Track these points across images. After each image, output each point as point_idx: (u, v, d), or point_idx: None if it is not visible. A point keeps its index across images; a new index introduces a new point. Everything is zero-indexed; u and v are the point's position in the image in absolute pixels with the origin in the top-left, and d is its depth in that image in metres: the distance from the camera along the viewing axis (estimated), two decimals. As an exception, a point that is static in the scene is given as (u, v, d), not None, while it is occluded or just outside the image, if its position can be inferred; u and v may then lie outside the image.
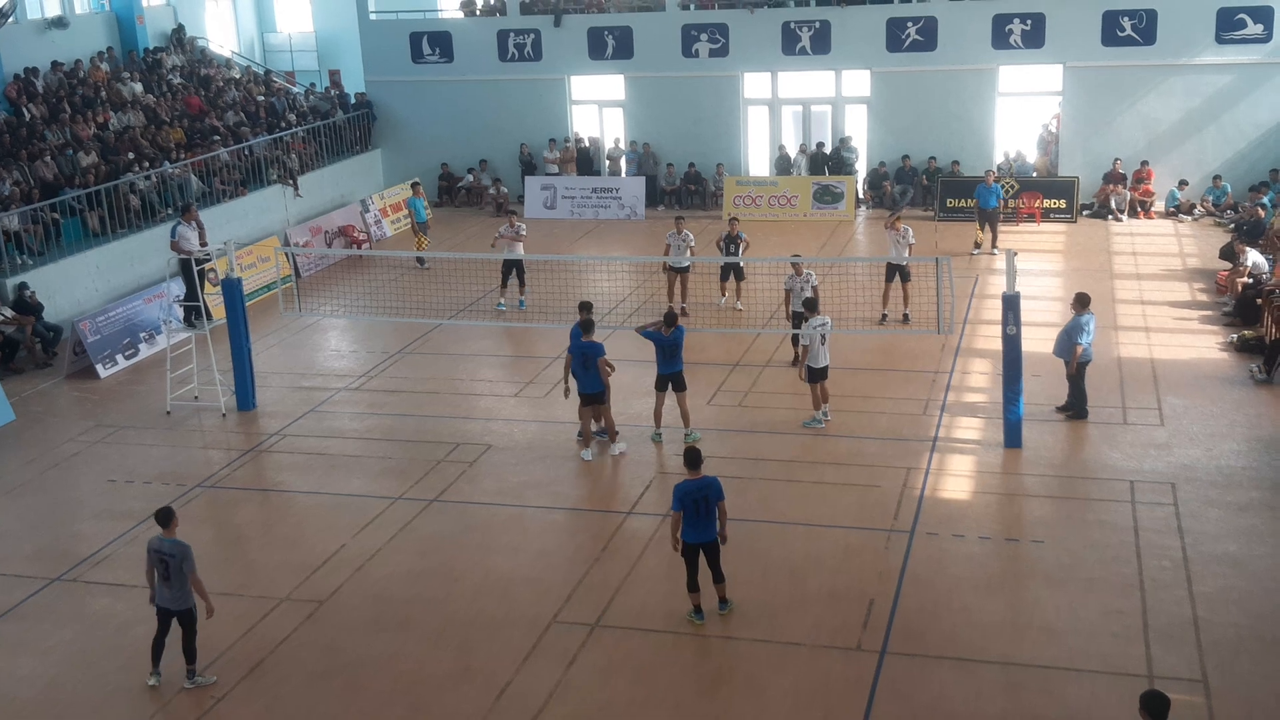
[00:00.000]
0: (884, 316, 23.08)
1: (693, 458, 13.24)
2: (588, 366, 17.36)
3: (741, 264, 23.66)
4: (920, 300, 22.64)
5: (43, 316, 23.41)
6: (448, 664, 12.93)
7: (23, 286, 23.31)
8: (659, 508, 16.11)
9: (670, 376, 17.84)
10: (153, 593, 12.76)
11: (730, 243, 23.44)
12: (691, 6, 34.41)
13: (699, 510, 13.01)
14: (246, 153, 31.31)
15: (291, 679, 12.82)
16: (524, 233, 25.24)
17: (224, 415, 20.24)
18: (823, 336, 18.29)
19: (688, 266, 23.74)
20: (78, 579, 14.98)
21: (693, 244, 23.97)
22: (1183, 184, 30.60)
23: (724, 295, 24.03)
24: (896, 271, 22.91)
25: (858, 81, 33.17)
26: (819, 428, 18.40)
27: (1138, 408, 18.70)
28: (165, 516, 12.73)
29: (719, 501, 13.12)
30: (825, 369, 18.42)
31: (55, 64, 32.17)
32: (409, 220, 30.14)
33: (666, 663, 12.79)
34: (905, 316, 22.90)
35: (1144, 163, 30.97)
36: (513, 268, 24.89)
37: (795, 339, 21.11)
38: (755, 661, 12.76)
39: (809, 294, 20.01)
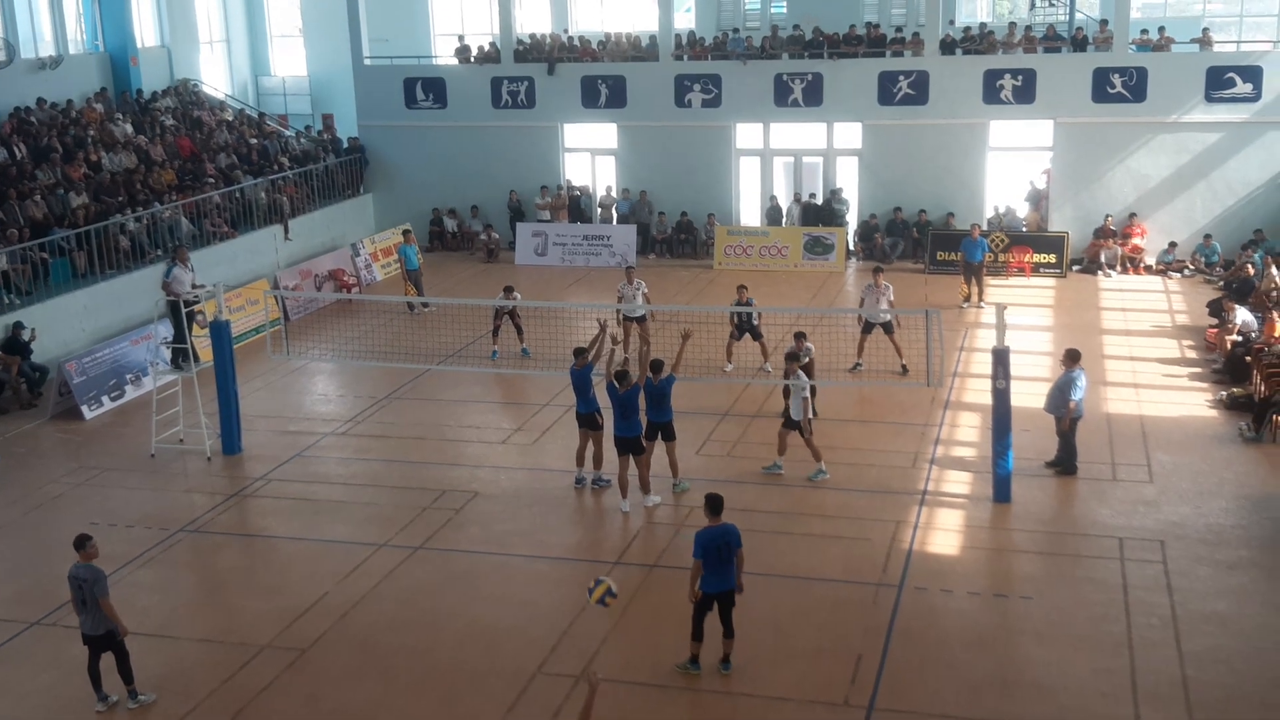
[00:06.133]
0: (857, 365, 23.07)
1: (714, 504, 13.02)
2: (627, 415, 17.21)
3: (758, 324, 23.21)
4: (909, 353, 22.70)
5: (29, 357, 23.30)
6: (430, 715, 12.78)
7: (18, 325, 23.22)
8: (646, 558, 16.02)
9: (660, 426, 17.71)
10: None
11: (743, 307, 22.94)
12: (685, 57, 34.62)
13: (720, 557, 12.85)
14: (238, 195, 31.32)
15: (271, 728, 12.67)
16: (518, 298, 24.97)
17: (209, 459, 20.11)
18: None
19: (643, 315, 23.76)
20: (57, 623, 14.78)
21: (645, 291, 24.15)
22: (1172, 245, 30.73)
23: (730, 361, 23.44)
24: (877, 326, 22.90)
25: (849, 134, 33.34)
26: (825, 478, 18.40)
27: (1127, 464, 18.67)
28: (80, 542, 12.95)
29: (737, 550, 12.97)
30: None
31: (46, 103, 32.23)
32: (399, 266, 30.14)
33: (651, 716, 12.65)
34: (903, 369, 22.83)
35: (1132, 215, 31.13)
36: (505, 317, 24.85)
37: (787, 390, 21.08)
38: (741, 716, 12.64)
39: (805, 361, 20.30)
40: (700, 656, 13.23)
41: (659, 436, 17.74)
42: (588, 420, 18.13)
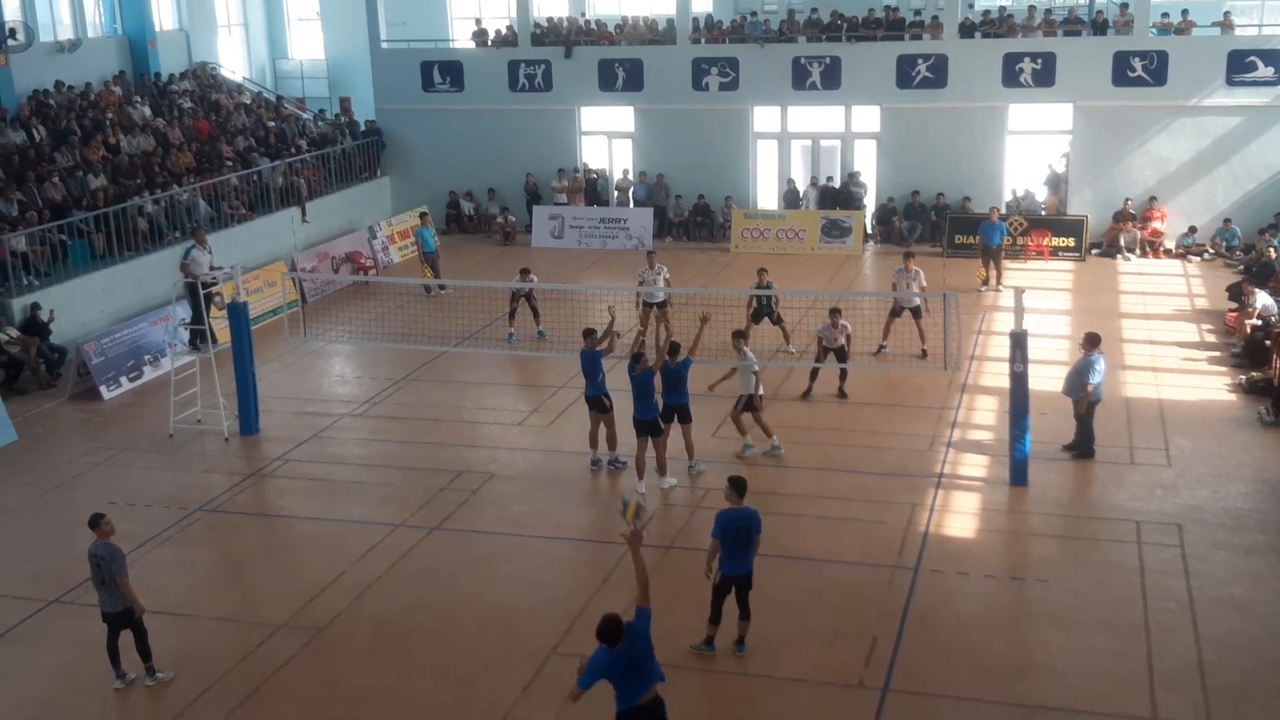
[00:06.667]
0: (881, 348, 23.07)
1: (739, 486, 12.96)
2: (643, 397, 17.20)
3: (776, 309, 23.25)
4: (928, 336, 22.65)
5: (48, 337, 23.40)
6: (446, 695, 12.81)
7: (35, 306, 23.32)
8: (660, 540, 16.02)
9: (676, 409, 17.71)
10: None
11: (763, 290, 22.81)
12: (702, 40, 34.51)
13: (739, 540, 12.83)
14: (255, 178, 31.37)
15: (288, 707, 12.72)
16: (535, 280, 24.93)
17: (226, 439, 20.19)
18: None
19: (664, 301, 23.76)
20: (75, 601, 14.86)
21: (666, 276, 24.19)
22: (1192, 229, 30.57)
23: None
24: (906, 310, 22.95)
25: (868, 117, 33.22)
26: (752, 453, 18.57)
27: (1145, 448, 18.59)
28: (94, 521, 13.02)
29: (756, 535, 12.94)
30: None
31: (64, 86, 32.35)
32: (416, 248, 30.18)
33: (666, 697, 12.63)
34: (923, 353, 22.82)
35: (1152, 199, 30.98)
36: (521, 300, 24.86)
37: (814, 373, 21.07)
38: (755, 697, 12.65)
39: (842, 342, 20.56)
40: (715, 638, 13.24)
41: (675, 419, 17.74)
42: (595, 402, 18.20)
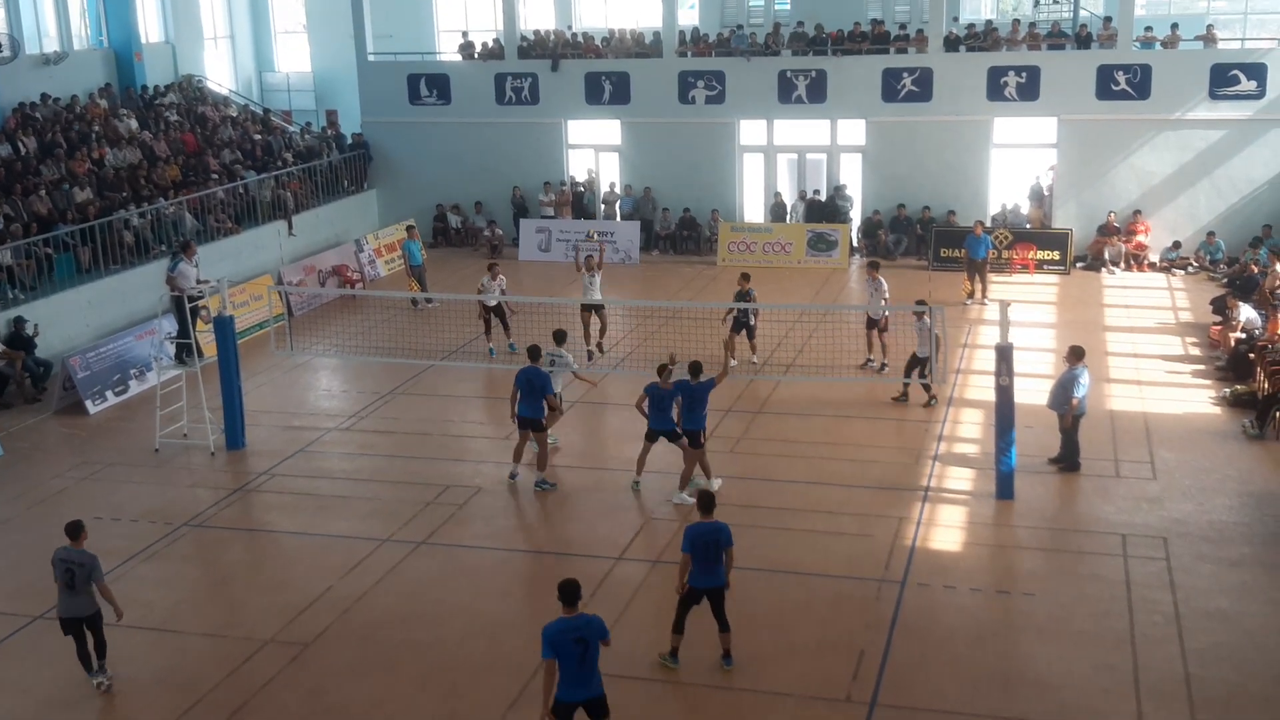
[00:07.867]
0: (868, 361, 23.12)
1: (706, 501, 13.06)
2: (692, 408, 17.24)
3: (753, 323, 23.22)
4: (889, 350, 22.57)
5: (33, 351, 23.33)
6: (434, 709, 12.79)
7: (20, 320, 23.25)
8: (648, 554, 16.03)
9: (663, 432, 17.66)
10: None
11: (742, 298, 22.82)
12: (689, 54, 34.60)
13: (709, 554, 12.87)
14: (242, 191, 31.34)
15: (274, 722, 12.69)
16: (504, 287, 25.00)
17: (213, 454, 20.13)
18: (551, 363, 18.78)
19: (600, 304, 23.94)
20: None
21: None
22: (1176, 244, 30.70)
23: (734, 357, 23.07)
24: (876, 321, 22.98)
25: (853, 130, 33.32)
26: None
27: (1130, 461, 18.66)
28: (75, 529, 13.06)
29: (727, 548, 12.99)
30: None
31: (51, 99, 32.32)
32: (403, 262, 30.17)
33: (652, 711, 12.66)
34: (882, 366, 22.80)
35: (1136, 213, 31.11)
36: (491, 313, 24.80)
37: (921, 375, 21.14)
38: (742, 712, 12.64)
39: (929, 351, 20.52)
40: (680, 651, 13.25)
41: (661, 439, 17.68)
42: (532, 423, 18.07)
